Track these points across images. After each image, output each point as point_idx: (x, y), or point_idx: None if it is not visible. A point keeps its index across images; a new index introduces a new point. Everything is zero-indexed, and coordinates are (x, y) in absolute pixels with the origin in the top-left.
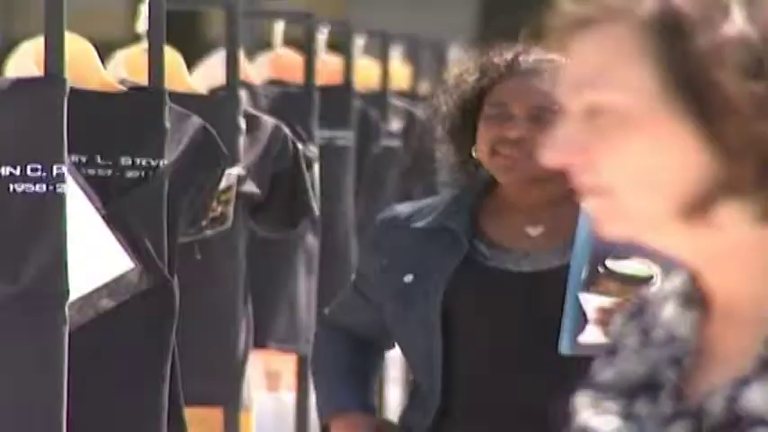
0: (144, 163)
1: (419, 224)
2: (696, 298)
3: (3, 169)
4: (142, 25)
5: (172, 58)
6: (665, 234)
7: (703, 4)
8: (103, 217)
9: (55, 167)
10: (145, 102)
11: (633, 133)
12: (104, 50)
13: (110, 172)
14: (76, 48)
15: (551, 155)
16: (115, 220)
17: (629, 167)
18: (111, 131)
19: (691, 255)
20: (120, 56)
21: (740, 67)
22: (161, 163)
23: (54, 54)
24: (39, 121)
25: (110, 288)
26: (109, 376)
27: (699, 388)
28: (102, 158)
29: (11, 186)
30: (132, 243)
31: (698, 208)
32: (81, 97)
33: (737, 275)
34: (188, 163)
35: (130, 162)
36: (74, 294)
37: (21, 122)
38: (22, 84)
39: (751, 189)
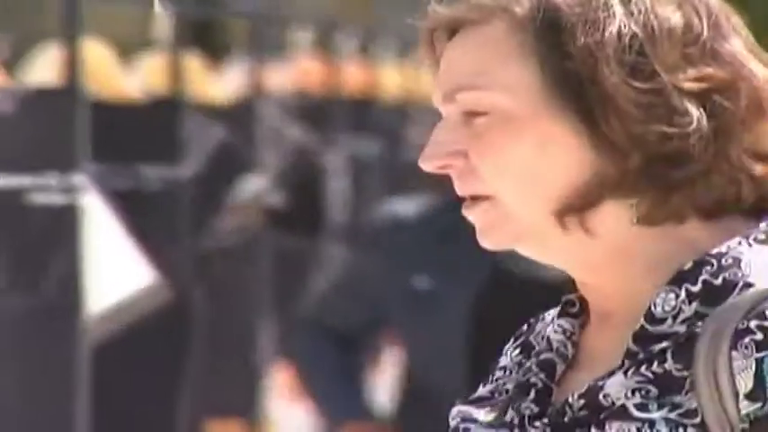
0: (165, 174)
1: (431, 223)
2: (577, 304)
3: (21, 179)
4: (161, 32)
5: (194, 65)
6: (545, 241)
7: (582, 2)
8: (124, 229)
9: (74, 178)
10: (166, 111)
11: (515, 134)
12: (124, 56)
13: (130, 183)
14: (96, 55)
15: (429, 160)
16: (136, 231)
17: (511, 170)
18: (132, 141)
19: (568, 262)
20: (142, 63)
21: (622, 64)
22: (182, 174)
23: (73, 62)
24: (58, 131)
25: (131, 301)
26: (130, 389)
27: (569, 389)
28: (122, 169)
29: (29, 196)
30: (154, 255)
31: (580, 210)
32: (101, 106)
33: (614, 279)
34: (210, 173)
35: (152, 172)
36: (95, 307)
37: (39, 132)
38: (41, 92)
39: (634, 189)
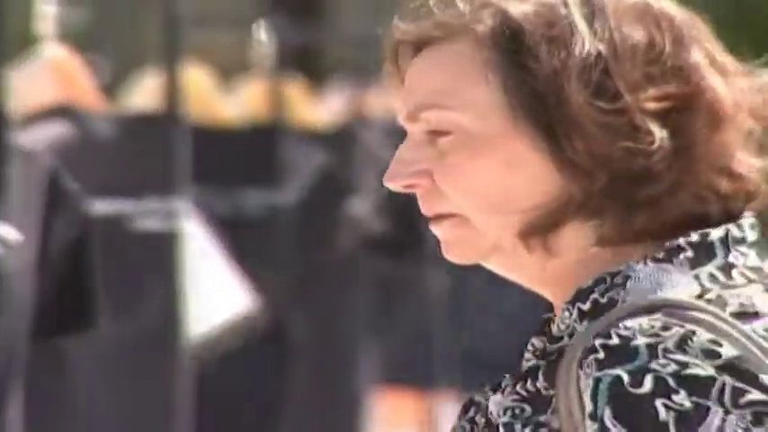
0: (265, 199)
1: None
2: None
3: (122, 205)
4: (262, 57)
5: (294, 90)
6: (510, 258)
7: (548, 20)
8: (224, 253)
9: (174, 203)
10: (266, 136)
11: (478, 154)
12: (224, 81)
13: (231, 208)
14: (196, 81)
15: (393, 179)
16: (236, 256)
17: (475, 191)
18: (232, 166)
19: (529, 279)
20: (242, 89)
21: (586, 84)
22: (283, 199)
23: (173, 88)
24: (158, 157)
25: (231, 327)
26: (230, 415)
27: None
28: (222, 194)
29: (130, 222)
30: (254, 280)
31: (544, 231)
32: (201, 132)
33: (564, 297)
34: (311, 198)
35: (252, 197)
36: (195, 333)
37: (140, 157)
38: (141, 118)
39: (597, 210)
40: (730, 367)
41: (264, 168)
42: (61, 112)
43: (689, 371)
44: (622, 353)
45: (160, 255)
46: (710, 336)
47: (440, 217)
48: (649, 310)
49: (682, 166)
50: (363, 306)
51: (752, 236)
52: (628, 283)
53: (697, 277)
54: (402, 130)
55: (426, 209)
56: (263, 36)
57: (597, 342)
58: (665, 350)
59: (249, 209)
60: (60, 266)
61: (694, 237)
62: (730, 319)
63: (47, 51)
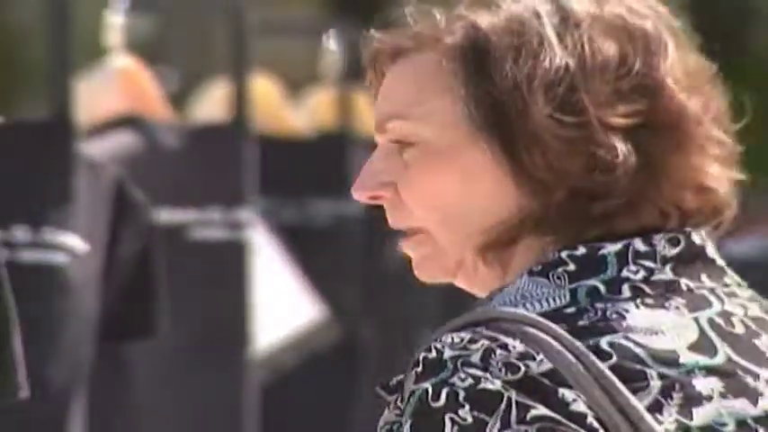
0: (333, 208)
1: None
2: None
3: (189, 214)
4: (329, 66)
5: (362, 100)
6: (473, 275)
7: (517, 32)
8: (292, 263)
9: (241, 213)
10: (334, 146)
11: (439, 167)
12: (292, 91)
13: (298, 217)
14: (264, 90)
15: (359, 190)
16: (304, 266)
17: (436, 204)
18: (300, 176)
19: (486, 294)
20: (310, 98)
21: (551, 98)
22: (350, 208)
23: (241, 98)
24: (225, 166)
25: (299, 337)
26: (298, 427)
27: None
28: (290, 204)
29: (193, 232)
30: (322, 290)
31: (502, 246)
32: (268, 142)
33: None
34: (378, 208)
35: (319, 207)
36: (262, 344)
37: (207, 167)
38: (209, 128)
39: (554, 225)
40: (524, 382)
41: (332, 178)
42: (129, 122)
43: (480, 385)
44: (433, 366)
45: (227, 265)
46: (525, 350)
47: (408, 233)
48: (476, 323)
49: (645, 181)
50: (430, 314)
51: (669, 250)
52: (495, 297)
53: (573, 291)
54: None
55: (392, 222)
56: (331, 45)
57: (420, 355)
58: (465, 364)
59: (317, 219)
60: (126, 275)
61: (580, 250)
62: (565, 334)
63: (115, 62)
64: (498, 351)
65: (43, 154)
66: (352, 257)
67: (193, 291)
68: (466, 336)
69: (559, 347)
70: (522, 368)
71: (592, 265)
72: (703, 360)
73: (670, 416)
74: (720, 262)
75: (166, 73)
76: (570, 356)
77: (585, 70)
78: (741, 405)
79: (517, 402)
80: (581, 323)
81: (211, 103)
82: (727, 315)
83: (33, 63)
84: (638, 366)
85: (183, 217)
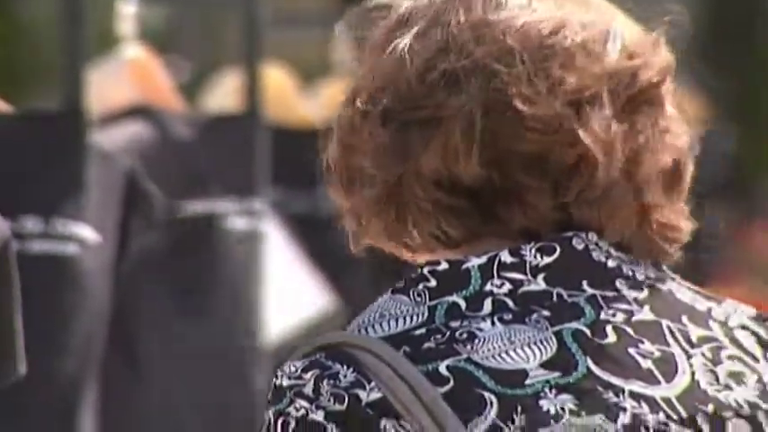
0: None
1: None
2: None
3: (200, 205)
4: (342, 57)
5: None
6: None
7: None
8: (303, 254)
9: (254, 203)
10: None
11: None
12: (304, 82)
13: (310, 208)
14: (276, 81)
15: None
16: (316, 256)
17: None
18: (312, 167)
19: None
20: (322, 89)
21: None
22: None
23: (253, 88)
24: (238, 157)
25: (310, 328)
26: None
27: None
28: (302, 194)
29: (207, 222)
30: (333, 281)
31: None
32: (280, 132)
33: None
34: None
35: (329, 198)
36: (274, 334)
37: (219, 158)
38: (221, 119)
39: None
40: (347, 413)
41: None
42: (140, 112)
43: (309, 417)
44: (274, 395)
45: (240, 255)
46: (356, 378)
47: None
48: (323, 348)
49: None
50: None
51: (541, 260)
52: (357, 316)
53: (432, 309)
54: None
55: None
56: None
57: (271, 382)
58: (298, 394)
59: (328, 210)
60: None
61: (442, 265)
62: (402, 359)
63: (126, 52)
64: (326, 381)
65: (55, 144)
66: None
67: (207, 281)
68: (300, 365)
69: (391, 374)
70: (347, 399)
71: (455, 281)
72: (555, 377)
73: None
74: (613, 264)
75: (178, 63)
76: (401, 384)
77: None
78: (596, 422)
79: None
80: (425, 345)
81: (223, 94)
82: (599, 324)
83: (45, 53)
84: (478, 390)
85: (195, 208)
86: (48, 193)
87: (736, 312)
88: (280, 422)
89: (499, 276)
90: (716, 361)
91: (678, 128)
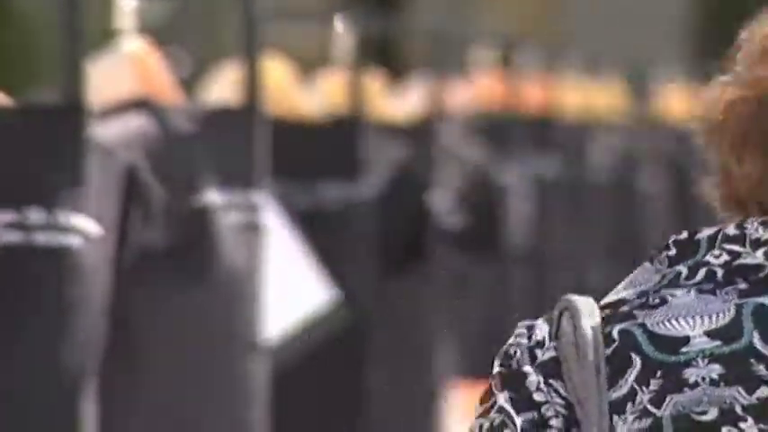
0: (344, 192)
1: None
2: None
3: (201, 198)
4: (341, 50)
5: (374, 84)
6: None
7: None
8: (304, 247)
9: (254, 196)
10: (345, 130)
11: None
12: (303, 75)
13: (310, 201)
14: (276, 74)
15: None
16: (316, 250)
17: None
18: (311, 160)
19: None
20: (321, 82)
21: None
22: (361, 192)
23: (252, 81)
24: (237, 150)
25: (311, 321)
26: (308, 410)
27: None
28: (302, 187)
29: (208, 215)
30: (334, 274)
31: None
32: (280, 125)
33: None
34: (389, 192)
35: (331, 191)
36: (275, 327)
37: (219, 151)
38: (220, 111)
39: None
40: (500, 369)
41: (343, 162)
42: (140, 105)
43: (513, 367)
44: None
45: (239, 247)
46: (542, 338)
47: None
48: (555, 308)
49: None
50: (440, 300)
51: (761, 233)
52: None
53: (663, 276)
54: (479, 124)
55: None
56: (343, 29)
57: None
58: (511, 345)
59: (328, 203)
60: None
61: (683, 235)
62: (587, 323)
63: (126, 45)
64: (519, 340)
65: (55, 137)
66: (361, 241)
67: (210, 272)
68: (522, 325)
69: (571, 337)
70: (532, 355)
71: (687, 250)
72: (713, 346)
73: (640, 404)
74: None
75: (178, 56)
76: (570, 346)
77: None
78: (731, 393)
79: (485, 390)
80: (622, 309)
81: (223, 87)
82: None
83: (45, 47)
84: (632, 354)
85: (196, 201)
86: (49, 185)
87: None
88: (497, 364)
89: (720, 247)
90: None
91: None
